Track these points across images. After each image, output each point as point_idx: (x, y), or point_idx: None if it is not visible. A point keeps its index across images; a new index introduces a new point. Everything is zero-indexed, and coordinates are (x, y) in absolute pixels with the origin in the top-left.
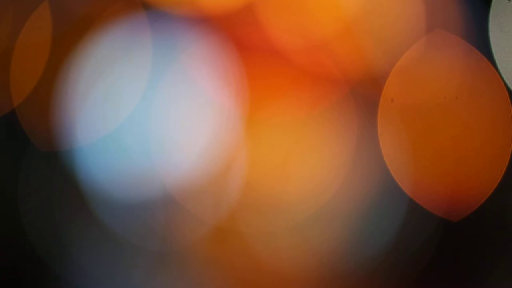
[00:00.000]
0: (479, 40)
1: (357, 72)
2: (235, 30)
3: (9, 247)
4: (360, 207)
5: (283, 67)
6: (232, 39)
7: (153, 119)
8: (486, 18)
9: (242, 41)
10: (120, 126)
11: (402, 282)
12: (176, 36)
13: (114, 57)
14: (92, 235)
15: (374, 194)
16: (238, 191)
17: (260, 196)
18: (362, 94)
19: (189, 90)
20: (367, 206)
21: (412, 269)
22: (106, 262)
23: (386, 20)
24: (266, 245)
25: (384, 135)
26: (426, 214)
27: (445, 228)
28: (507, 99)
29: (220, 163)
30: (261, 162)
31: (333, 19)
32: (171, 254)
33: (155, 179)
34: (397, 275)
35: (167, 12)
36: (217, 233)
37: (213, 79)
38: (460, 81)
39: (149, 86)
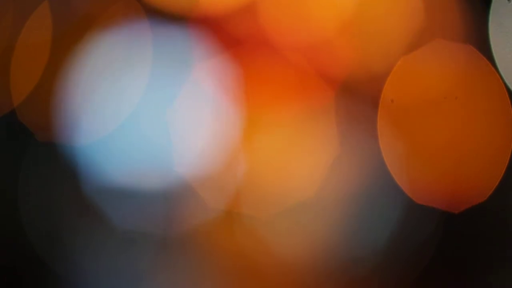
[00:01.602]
0: (479, 40)
1: (356, 71)
2: (234, 29)
3: (9, 247)
4: (359, 205)
5: (282, 65)
6: (230, 38)
7: (157, 114)
8: (486, 18)
9: (241, 40)
10: (121, 124)
11: (401, 281)
12: (175, 34)
13: (114, 57)
14: (94, 230)
15: (373, 192)
16: (239, 181)
17: (260, 187)
18: (360, 92)
19: (191, 86)
20: (366, 204)
21: (410, 269)
22: (109, 256)
23: (386, 19)
24: (265, 232)
25: (384, 135)
26: (425, 213)
27: (444, 228)
28: (507, 99)
29: (223, 155)
30: (261, 155)
31: (332, 18)
32: (174, 241)
33: (157, 172)
34: (396, 274)
35: (166, 12)
36: (220, 219)
37: (212, 76)
38: (460, 81)
39: (149, 84)
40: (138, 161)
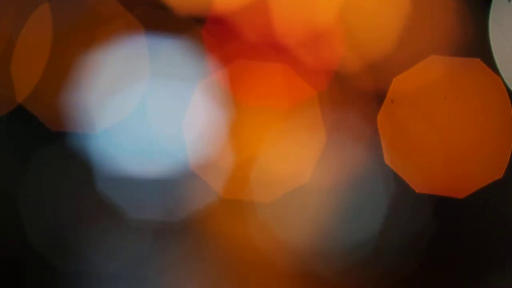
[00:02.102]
0: (479, 40)
1: (349, 62)
2: (231, 25)
3: (18, 238)
4: (351, 193)
5: (278, 57)
6: (227, 34)
7: (161, 105)
8: (486, 18)
9: (237, 35)
10: (127, 116)
11: (395, 268)
12: (171, 33)
13: (118, 54)
14: (105, 220)
15: (363, 181)
16: (238, 169)
17: (260, 173)
18: (353, 83)
19: (192, 80)
20: (358, 192)
21: (404, 257)
22: (120, 244)
23: (381, 12)
24: (266, 217)
25: (384, 132)
26: (418, 204)
27: (439, 218)
28: (507, 99)
29: (222, 144)
30: (259, 144)
31: (327, 10)
32: (179, 228)
33: (163, 161)
34: (390, 262)
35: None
36: (225, 206)
37: (212, 71)
38: (460, 81)
39: (151, 79)
40: (144, 151)
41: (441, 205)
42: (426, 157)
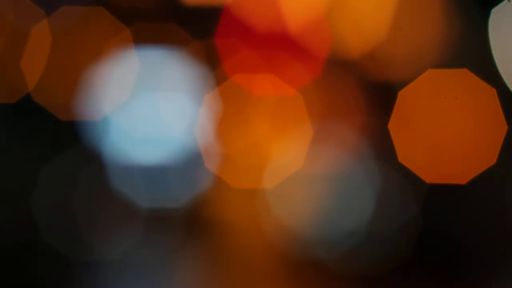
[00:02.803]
0: (479, 40)
1: (341, 52)
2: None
3: (30, 229)
4: (341, 181)
5: (282, 44)
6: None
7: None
8: (486, 18)
9: (231, 25)
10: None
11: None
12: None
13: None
14: (117, 211)
15: (352, 171)
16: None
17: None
18: (344, 74)
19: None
20: (347, 181)
21: (394, 246)
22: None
23: (374, 5)
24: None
25: (395, 130)
26: (408, 192)
27: (429, 208)
28: (496, 100)
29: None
30: (256, 135)
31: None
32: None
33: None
34: (382, 250)
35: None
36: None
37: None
38: (459, 81)
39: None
40: (150, 140)
41: (434, 192)
42: (430, 150)
